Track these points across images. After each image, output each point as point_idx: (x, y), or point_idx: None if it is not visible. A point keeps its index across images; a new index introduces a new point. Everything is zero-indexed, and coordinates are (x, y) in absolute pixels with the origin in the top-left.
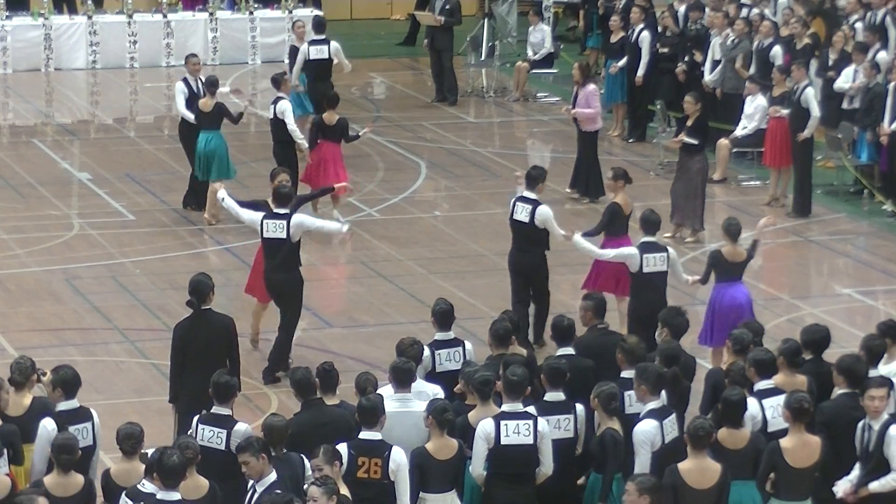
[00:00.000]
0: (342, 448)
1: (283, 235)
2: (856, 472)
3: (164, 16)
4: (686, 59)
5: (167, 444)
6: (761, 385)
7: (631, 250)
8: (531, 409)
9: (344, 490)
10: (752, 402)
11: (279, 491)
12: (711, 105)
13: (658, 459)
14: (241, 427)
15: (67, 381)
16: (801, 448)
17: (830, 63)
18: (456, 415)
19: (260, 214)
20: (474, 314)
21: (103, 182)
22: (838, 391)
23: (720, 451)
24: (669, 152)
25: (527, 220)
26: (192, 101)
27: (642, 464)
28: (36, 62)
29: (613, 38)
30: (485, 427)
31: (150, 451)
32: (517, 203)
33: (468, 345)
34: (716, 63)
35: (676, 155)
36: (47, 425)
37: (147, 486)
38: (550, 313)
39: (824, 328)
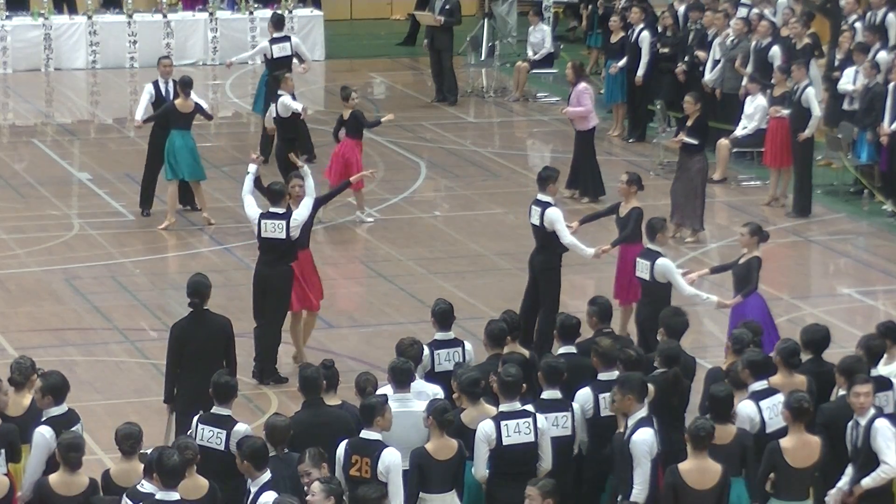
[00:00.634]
0: (342, 446)
1: (283, 235)
2: (846, 477)
3: (164, 16)
4: (686, 58)
5: (165, 445)
6: (756, 386)
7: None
8: (529, 407)
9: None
10: (749, 405)
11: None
12: (711, 105)
13: (653, 466)
14: (240, 427)
15: (56, 387)
16: (801, 448)
17: (836, 63)
18: (456, 415)
19: (258, 212)
20: (474, 314)
21: (103, 182)
22: (839, 392)
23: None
24: (669, 152)
25: (538, 222)
26: (158, 104)
27: (644, 473)
28: (36, 62)
29: (613, 38)
30: (485, 429)
31: (149, 451)
32: (532, 206)
33: (468, 345)
34: (716, 63)
35: (676, 155)
36: (45, 433)
37: (146, 487)
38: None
39: (824, 328)
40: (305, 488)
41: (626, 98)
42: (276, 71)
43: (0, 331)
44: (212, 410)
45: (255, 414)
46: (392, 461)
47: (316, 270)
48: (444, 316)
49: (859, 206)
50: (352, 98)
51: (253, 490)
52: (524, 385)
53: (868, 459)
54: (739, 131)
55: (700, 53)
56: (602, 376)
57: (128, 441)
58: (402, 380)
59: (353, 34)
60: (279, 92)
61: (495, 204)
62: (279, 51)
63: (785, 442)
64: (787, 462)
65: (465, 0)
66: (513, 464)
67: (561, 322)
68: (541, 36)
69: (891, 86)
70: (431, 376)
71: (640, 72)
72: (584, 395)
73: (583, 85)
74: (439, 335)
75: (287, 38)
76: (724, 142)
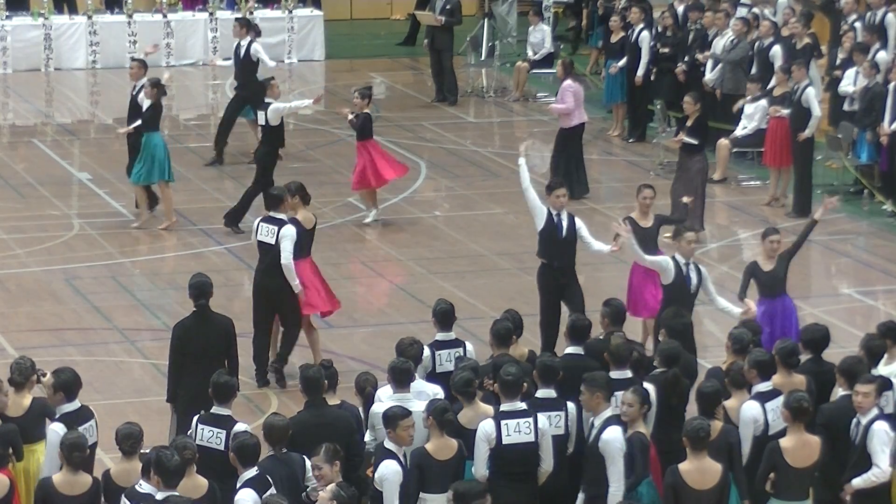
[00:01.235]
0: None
1: (273, 241)
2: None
3: (164, 16)
4: (686, 58)
5: (164, 444)
6: (762, 387)
7: (667, 261)
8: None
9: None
10: (754, 405)
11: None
12: (711, 105)
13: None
14: (240, 427)
15: (69, 384)
16: (801, 448)
17: (837, 62)
18: (456, 415)
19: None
20: (474, 314)
21: (103, 182)
22: (839, 392)
23: None
24: (669, 152)
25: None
26: (131, 108)
27: (618, 471)
28: (36, 62)
29: (613, 38)
30: (485, 428)
31: (148, 451)
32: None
33: (469, 346)
34: (716, 63)
35: (676, 155)
36: (58, 430)
37: (144, 487)
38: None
39: (824, 328)
40: (314, 481)
41: (626, 98)
42: (248, 73)
43: (0, 331)
44: (211, 410)
45: (255, 414)
46: (386, 473)
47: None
48: (445, 316)
49: (859, 206)
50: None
51: (238, 485)
52: (525, 384)
53: (861, 459)
54: (739, 131)
55: (700, 56)
56: (614, 375)
57: (128, 441)
58: (401, 380)
59: (353, 34)
60: (267, 100)
61: (495, 204)
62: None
63: (785, 442)
64: (786, 462)
65: (465, 0)
66: (513, 463)
67: (572, 322)
68: (541, 36)
69: (891, 86)
70: (432, 377)
71: (640, 72)
72: None
73: (567, 82)
74: (440, 335)
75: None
76: (724, 142)
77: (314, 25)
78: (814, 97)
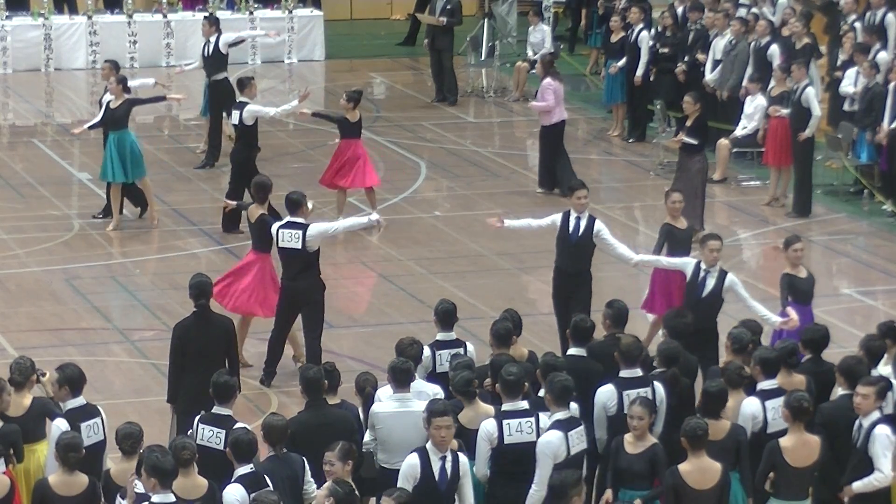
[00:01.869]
0: None
1: (299, 245)
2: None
3: (164, 16)
4: (686, 58)
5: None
6: (765, 385)
7: (690, 262)
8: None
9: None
10: (754, 402)
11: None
12: (711, 105)
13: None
14: (239, 427)
15: (74, 379)
16: (801, 447)
17: (838, 63)
18: (455, 415)
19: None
20: (474, 314)
21: (103, 182)
22: (839, 392)
23: None
24: (669, 152)
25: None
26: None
27: (542, 476)
28: (36, 62)
29: (613, 38)
30: (487, 428)
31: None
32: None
33: (470, 346)
34: (716, 63)
35: (676, 155)
36: (61, 426)
37: (140, 487)
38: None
39: (824, 328)
40: (313, 485)
41: (626, 98)
42: (219, 68)
43: (0, 331)
44: (212, 410)
45: (255, 414)
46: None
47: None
48: (446, 316)
49: (859, 206)
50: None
51: (230, 481)
52: (526, 384)
53: (861, 462)
54: (739, 131)
55: (701, 56)
56: (624, 373)
57: (128, 441)
58: (401, 379)
59: (353, 34)
60: (242, 99)
61: (495, 204)
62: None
63: (784, 441)
64: (786, 461)
65: (465, 0)
66: (514, 463)
67: (575, 324)
68: (541, 36)
69: (891, 86)
70: (433, 377)
71: (640, 72)
72: (606, 392)
73: (547, 80)
74: (441, 335)
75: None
76: (724, 142)
77: (314, 25)
78: (814, 97)
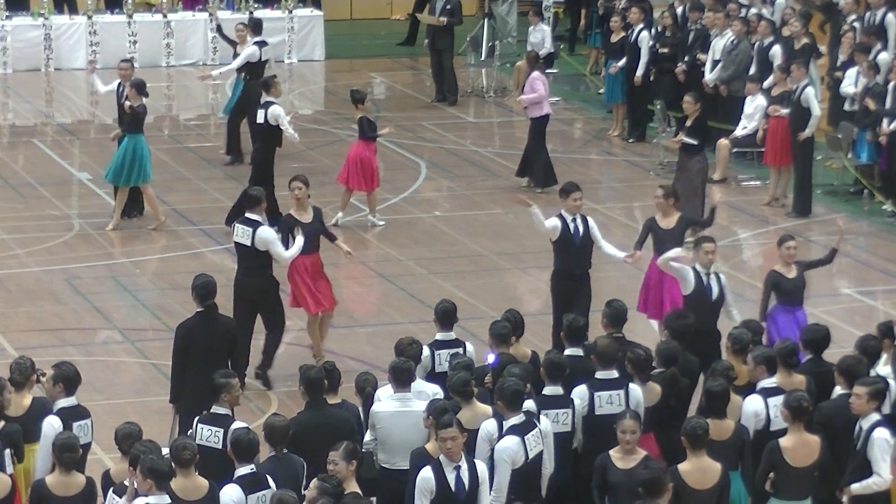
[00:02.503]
0: None
1: (248, 242)
2: None
3: (164, 16)
4: (686, 58)
5: (163, 445)
6: (767, 383)
7: (687, 271)
8: (531, 407)
9: (354, 488)
10: (757, 400)
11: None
12: (711, 105)
13: (520, 476)
14: (237, 426)
15: (69, 378)
16: (801, 447)
17: (838, 63)
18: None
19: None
20: (474, 314)
21: (103, 182)
22: (838, 391)
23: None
24: (669, 152)
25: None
26: (119, 105)
27: (500, 482)
28: (36, 62)
29: (614, 38)
30: (487, 428)
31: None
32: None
33: (469, 346)
34: (716, 63)
35: (676, 155)
36: (53, 423)
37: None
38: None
39: (824, 328)
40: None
41: (626, 98)
42: (251, 73)
43: (0, 331)
44: (211, 410)
45: (255, 414)
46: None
47: (324, 274)
48: (445, 315)
49: (859, 206)
50: (366, 102)
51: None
52: (528, 385)
53: (862, 465)
54: (739, 131)
55: (701, 56)
56: (600, 375)
57: (128, 441)
58: (402, 379)
59: (353, 34)
60: (268, 99)
61: (495, 204)
62: (265, 54)
63: (784, 441)
64: (786, 461)
65: (465, 0)
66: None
67: (568, 324)
68: (541, 36)
69: (890, 85)
70: (432, 376)
71: (640, 72)
72: (579, 392)
73: (535, 73)
74: (440, 335)
75: (266, 43)
76: (724, 142)
77: (314, 25)
78: (813, 97)
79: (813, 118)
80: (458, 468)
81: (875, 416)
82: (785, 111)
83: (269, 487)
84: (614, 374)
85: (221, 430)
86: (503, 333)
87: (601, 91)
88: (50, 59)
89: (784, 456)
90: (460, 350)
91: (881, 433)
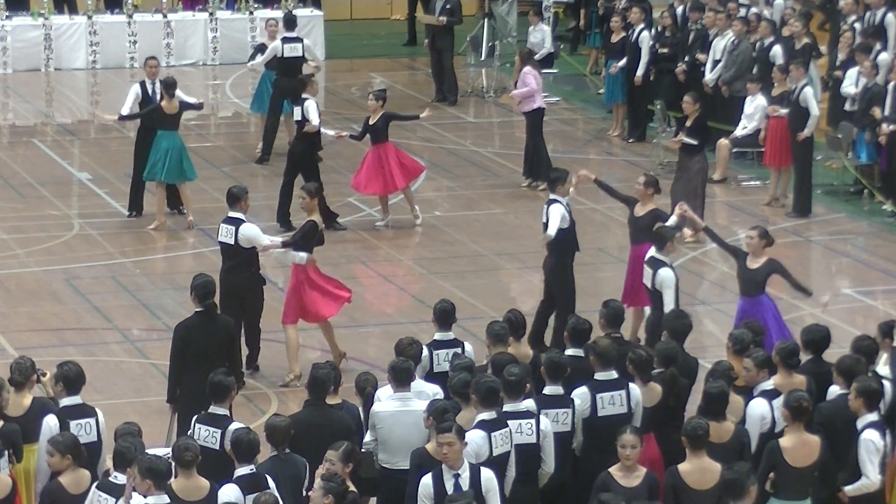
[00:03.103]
0: None
1: (231, 241)
2: None
3: (164, 16)
4: (686, 58)
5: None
6: (768, 385)
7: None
8: (531, 406)
9: (350, 488)
10: (762, 403)
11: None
12: (711, 105)
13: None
14: (235, 426)
15: (70, 378)
16: (801, 447)
17: (838, 63)
18: (455, 415)
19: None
20: (474, 314)
21: (103, 182)
22: (837, 391)
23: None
24: (669, 152)
25: (545, 219)
26: (144, 105)
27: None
28: (36, 62)
29: (614, 38)
30: None
31: (149, 452)
32: (546, 206)
33: (468, 346)
34: (716, 63)
35: (676, 155)
36: (50, 422)
37: (120, 478)
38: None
39: (824, 328)
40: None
41: (626, 98)
42: (284, 71)
43: (0, 331)
44: (209, 410)
45: (255, 414)
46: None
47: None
48: (444, 315)
49: (859, 206)
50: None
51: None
52: (527, 385)
53: (855, 466)
54: (739, 131)
55: (701, 56)
56: (599, 376)
57: (127, 441)
58: (402, 379)
59: (353, 34)
60: (304, 95)
61: (495, 204)
62: (290, 51)
63: (784, 441)
64: (786, 461)
65: (465, 0)
66: (514, 464)
67: (572, 325)
68: (541, 36)
69: (890, 85)
70: (430, 376)
71: (640, 72)
72: (580, 394)
73: (527, 68)
74: (439, 335)
75: (299, 40)
76: (724, 142)
77: (314, 25)
78: (812, 96)
79: (812, 118)
80: (457, 475)
81: (869, 417)
82: (784, 111)
83: (269, 488)
84: (613, 374)
85: (219, 431)
86: (500, 333)
87: (601, 91)
88: (50, 59)
89: (784, 456)
90: (458, 350)
91: (869, 434)
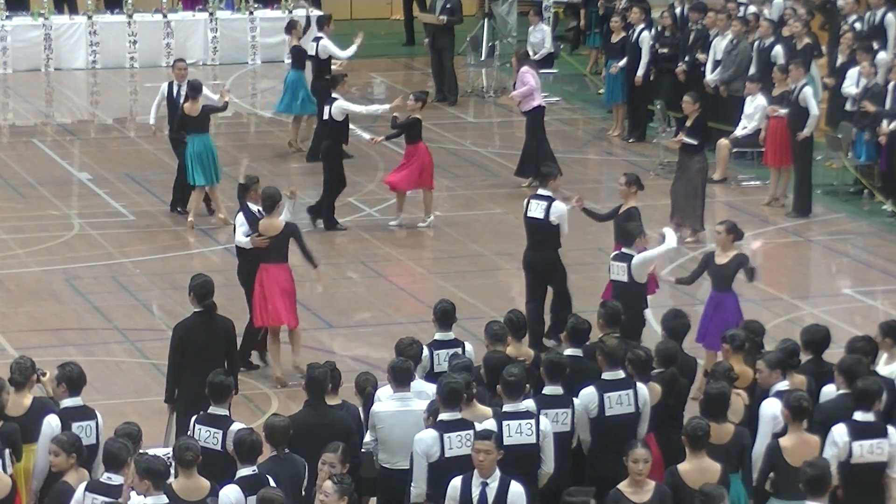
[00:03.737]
0: None
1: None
2: None
3: (164, 16)
4: (686, 58)
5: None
6: (782, 386)
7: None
8: (531, 407)
9: None
10: (775, 404)
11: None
12: (711, 105)
13: (435, 471)
14: (236, 427)
15: (73, 378)
16: (801, 447)
17: (837, 64)
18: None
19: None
20: (474, 314)
21: (103, 182)
22: (837, 391)
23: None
24: (669, 152)
25: (541, 216)
26: (170, 107)
27: (418, 473)
28: (36, 62)
29: (614, 39)
30: (488, 428)
31: (149, 452)
32: (531, 200)
33: (468, 346)
34: (716, 63)
35: (676, 155)
36: (51, 422)
37: (115, 479)
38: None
39: (824, 328)
40: (321, 475)
41: (626, 98)
42: (318, 71)
43: (0, 331)
44: (209, 410)
45: (255, 414)
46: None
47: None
48: (444, 315)
49: (859, 206)
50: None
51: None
52: (527, 385)
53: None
54: (739, 131)
55: (701, 56)
56: (606, 376)
57: (127, 441)
58: (402, 379)
59: (353, 34)
60: (334, 95)
61: (495, 204)
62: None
63: (784, 441)
64: (786, 461)
65: (466, 0)
66: (514, 465)
67: (572, 325)
68: (541, 36)
69: (890, 85)
70: (430, 376)
71: (640, 72)
72: (588, 394)
73: (524, 68)
74: (439, 335)
75: (319, 37)
76: (724, 142)
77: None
78: (811, 96)
79: (811, 118)
80: (485, 484)
81: (856, 414)
82: (784, 111)
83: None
84: (621, 374)
85: (220, 432)
86: (498, 333)
87: (601, 91)
88: (50, 59)
89: (784, 456)
90: (459, 350)
91: (836, 429)
